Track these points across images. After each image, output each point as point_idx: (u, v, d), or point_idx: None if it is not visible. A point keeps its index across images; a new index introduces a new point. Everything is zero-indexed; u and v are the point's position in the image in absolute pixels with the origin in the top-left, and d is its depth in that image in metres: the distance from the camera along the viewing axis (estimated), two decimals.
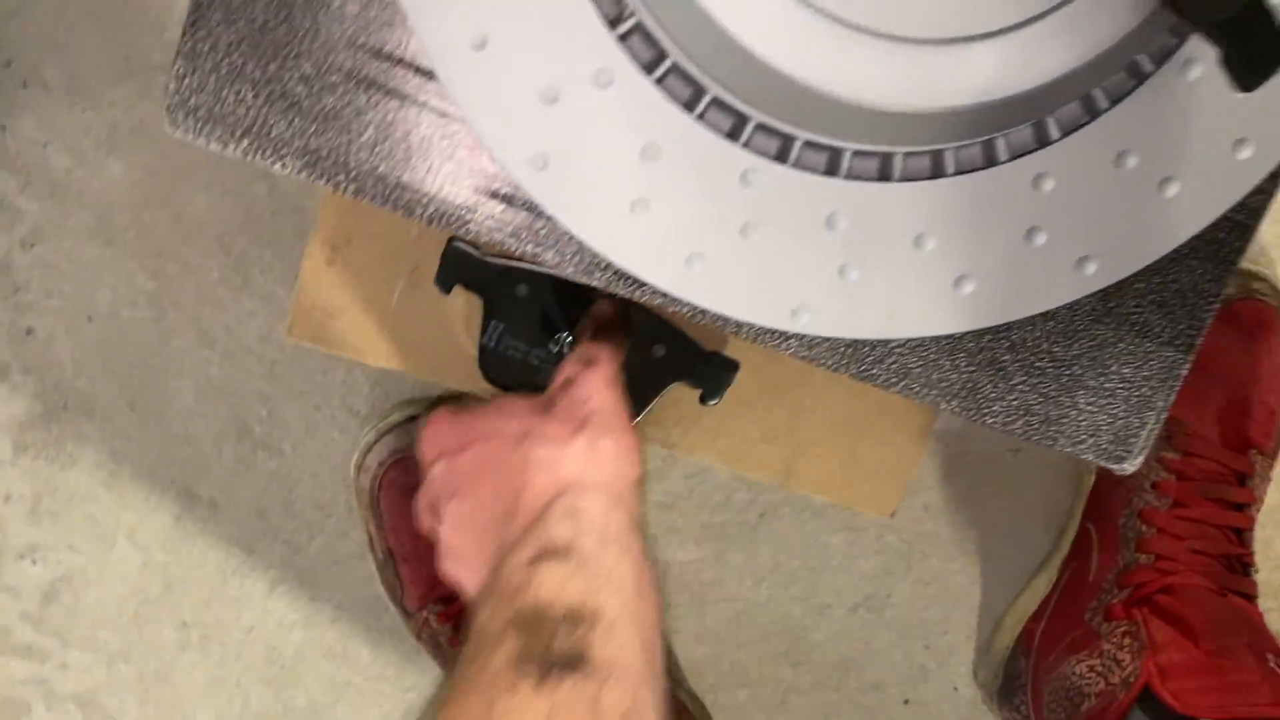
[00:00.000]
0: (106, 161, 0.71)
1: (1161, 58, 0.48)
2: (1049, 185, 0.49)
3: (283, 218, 0.69)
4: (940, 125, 0.47)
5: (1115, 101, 0.48)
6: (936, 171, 0.49)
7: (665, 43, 0.46)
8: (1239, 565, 0.72)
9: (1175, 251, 0.55)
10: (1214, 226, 0.55)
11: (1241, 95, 0.47)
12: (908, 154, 0.49)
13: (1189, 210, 0.49)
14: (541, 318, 0.63)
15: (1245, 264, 0.75)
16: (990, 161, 0.49)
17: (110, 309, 0.74)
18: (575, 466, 0.51)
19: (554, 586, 0.45)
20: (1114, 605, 0.70)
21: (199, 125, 0.49)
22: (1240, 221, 0.54)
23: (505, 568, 0.48)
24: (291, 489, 0.78)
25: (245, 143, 0.50)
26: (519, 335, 0.62)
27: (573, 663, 0.42)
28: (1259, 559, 0.83)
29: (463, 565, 0.53)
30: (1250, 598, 0.71)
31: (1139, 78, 0.48)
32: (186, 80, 0.49)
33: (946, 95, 0.44)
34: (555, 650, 0.42)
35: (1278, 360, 0.74)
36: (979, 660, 0.83)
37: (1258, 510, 0.75)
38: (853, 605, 0.82)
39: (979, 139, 0.48)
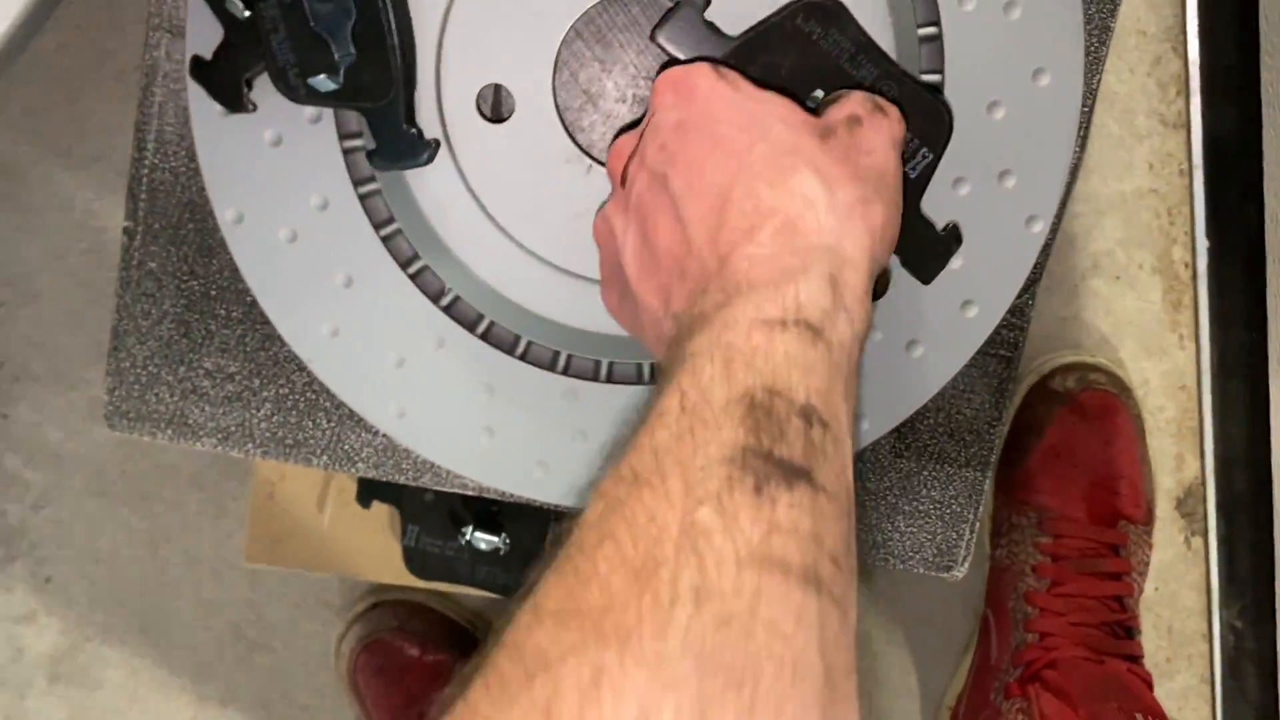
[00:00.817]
0: (92, 430, 0.84)
1: None
2: None
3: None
4: None
5: None
6: None
7: (479, 308, 0.57)
8: (1121, 630, 0.79)
9: (954, 388, 0.65)
10: (982, 363, 0.65)
11: (958, 266, 0.57)
12: None
13: (937, 364, 0.59)
14: (451, 516, 0.73)
15: (1082, 356, 0.84)
16: None
17: (112, 550, 0.86)
18: (838, 221, 0.41)
19: (798, 371, 0.37)
20: (1010, 684, 0.78)
21: (131, 424, 0.61)
22: (1003, 356, 0.64)
23: (738, 316, 0.38)
24: (287, 680, 0.89)
25: (170, 432, 0.62)
26: (434, 533, 0.73)
27: (800, 473, 0.34)
28: (1167, 611, 0.90)
29: (645, 251, 0.44)
30: (1134, 659, 0.78)
31: None
32: (116, 391, 0.61)
33: None
34: (783, 452, 0.35)
35: (1126, 438, 0.82)
36: None
37: (1141, 574, 0.83)
38: None
39: None
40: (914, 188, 0.55)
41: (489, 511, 0.73)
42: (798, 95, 0.51)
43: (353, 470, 0.63)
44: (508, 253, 0.56)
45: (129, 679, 0.88)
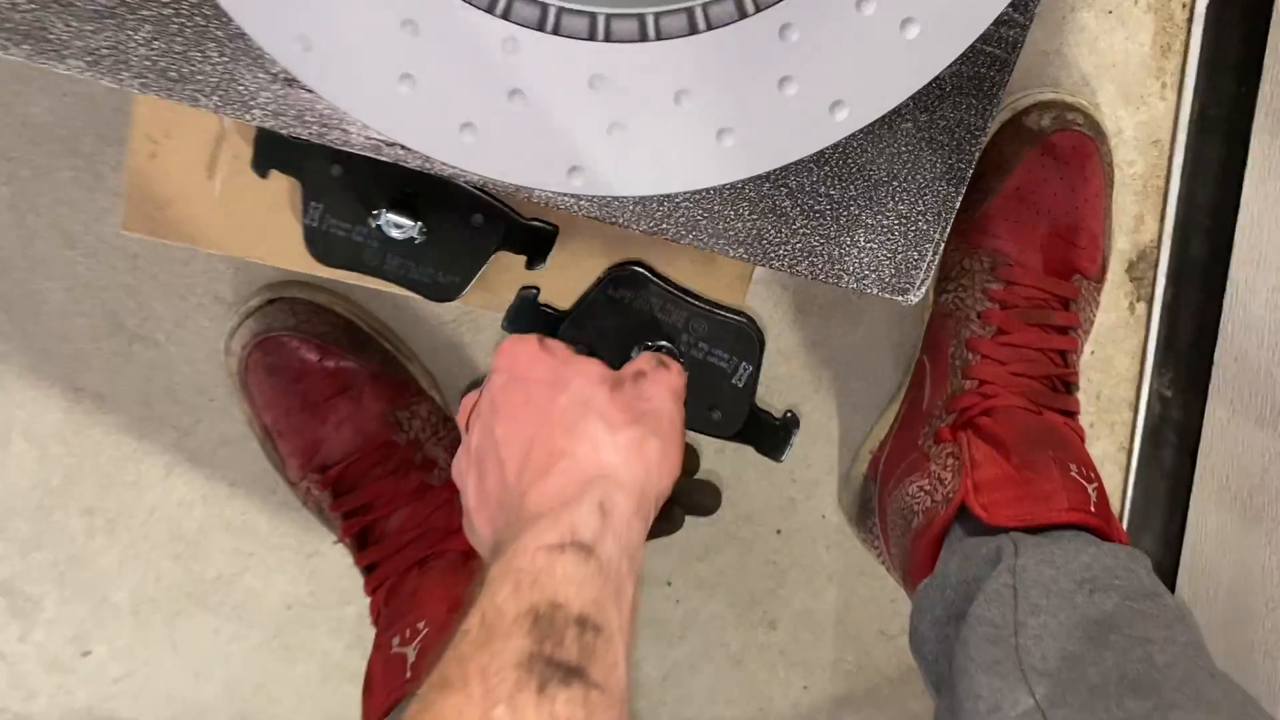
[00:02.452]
0: None
1: None
2: (795, 35, 0.51)
3: (125, 115, 0.71)
4: None
5: None
6: (691, 28, 0.51)
7: None
8: (1061, 385, 0.76)
9: (939, 89, 0.58)
10: (974, 62, 0.58)
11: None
12: (661, 13, 0.51)
13: (932, 50, 0.52)
14: (360, 195, 0.65)
15: (1061, 95, 0.78)
16: (740, 14, 0.51)
17: None
18: (616, 457, 0.52)
19: (573, 586, 0.46)
20: (942, 430, 0.75)
21: None
22: (998, 56, 0.57)
23: (527, 544, 0.47)
24: (171, 377, 0.82)
25: (27, 47, 0.52)
26: (340, 214, 0.65)
27: (575, 673, 0.43)
28: (1099, 376, 0.88)
29: (480, 488, 0.55)
30: (1071, 414, 0.76)
31: None
32: None
33: None
34: (561, 656, 0.43)
35: (1095, 187, 0.77)
36: (840, 489, 0.89)
37: (1086, 332, 0.80)
38: (719, 447, 0.86)
39: None
40: (744, 393, 0.74)
41: (404, 194, 0.65)
42: (627, 349, 0.71)
43: (247, 117, 0.54)
44: None
45: None
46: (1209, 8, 0.78)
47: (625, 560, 0.49)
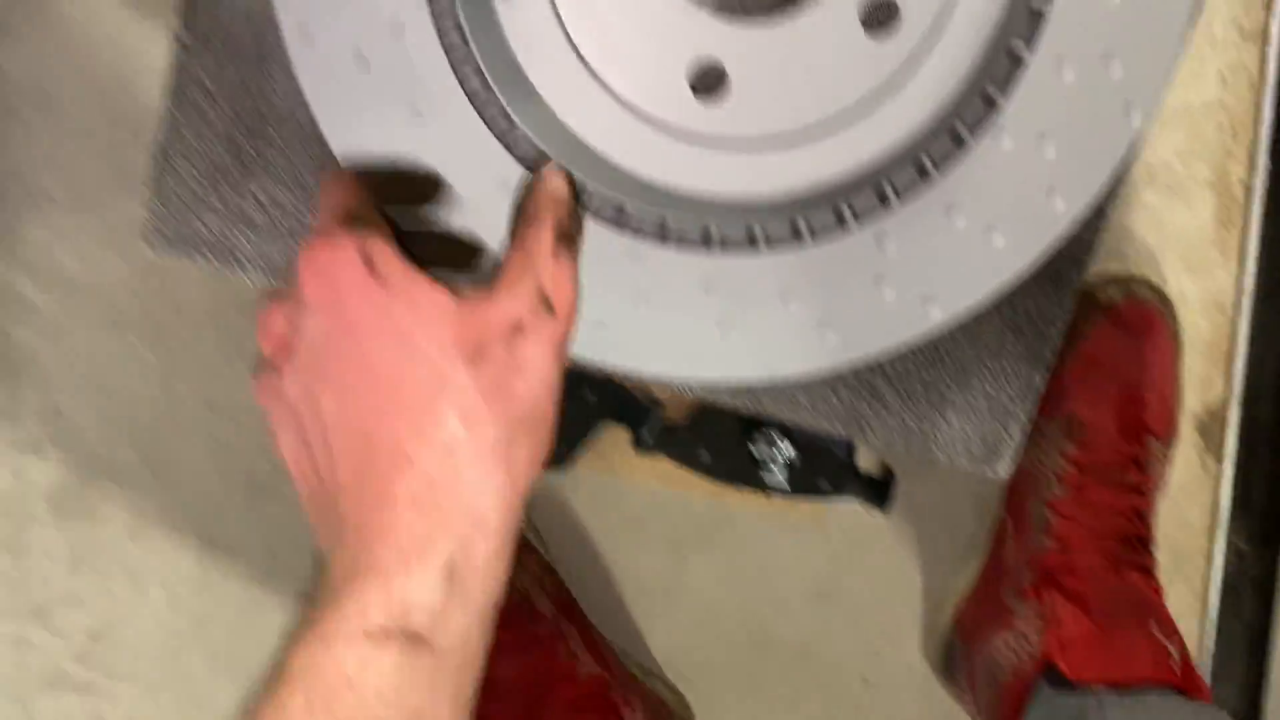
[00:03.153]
0: (107, 257, 0.81)
1: (976, 126, 0.56)
2: (890, 243, 0.57)
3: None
4: (784, 205, 0.55)
5: (942, 166, 0.56)
6: (795, 238, 0.57)
7: (545, 147, 0.55)
8: (1138, 543, 0.80)
9: (1020, 284, 0.64)
10: (1052, 259, 0.63)
11: (1052, 156, 0.55)
12: (768, 225, 0.57)
13: (1015, 255, 0.57)
14: None
15: (1128, 267, 0.83)
16: (840, 225, 0.57)
17: (123, 384, 0.84)
18: (475, 474, 0.41)
19: (389, 697, 0.39)
20: (1025, 587, 0.78)
21: (172, 246, 0.58)
22: (1075, 255, 0.62)
23: (346, 616, 0.39)
24: (298, 530, 0.88)
25: (213, 259, 0.59)
26: None
27: None
28: (1173, 528, 0.91)
29: (300, 465, 0.44)
30: (1148, 571, 0.79)
31: (960, 143, 0.56)
32: (158, 211, 0.58)
33: (771, 186, 0.53)
34: None
35: (1163, 354, 0.82)
36: (925, 640, 0.92)
37: (1159, 490, 0.83)
38: (807, 596, 0.90)
39: (828, 206, 0.57)
40: (847, 457, 0.80)
41: None
42: None
43: None
44: (588, 90, 0.53)
45: (134, 517, 0.87)
46: (1266, 186, 0.83)
47: (475, 633, 0.41)
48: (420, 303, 0.42)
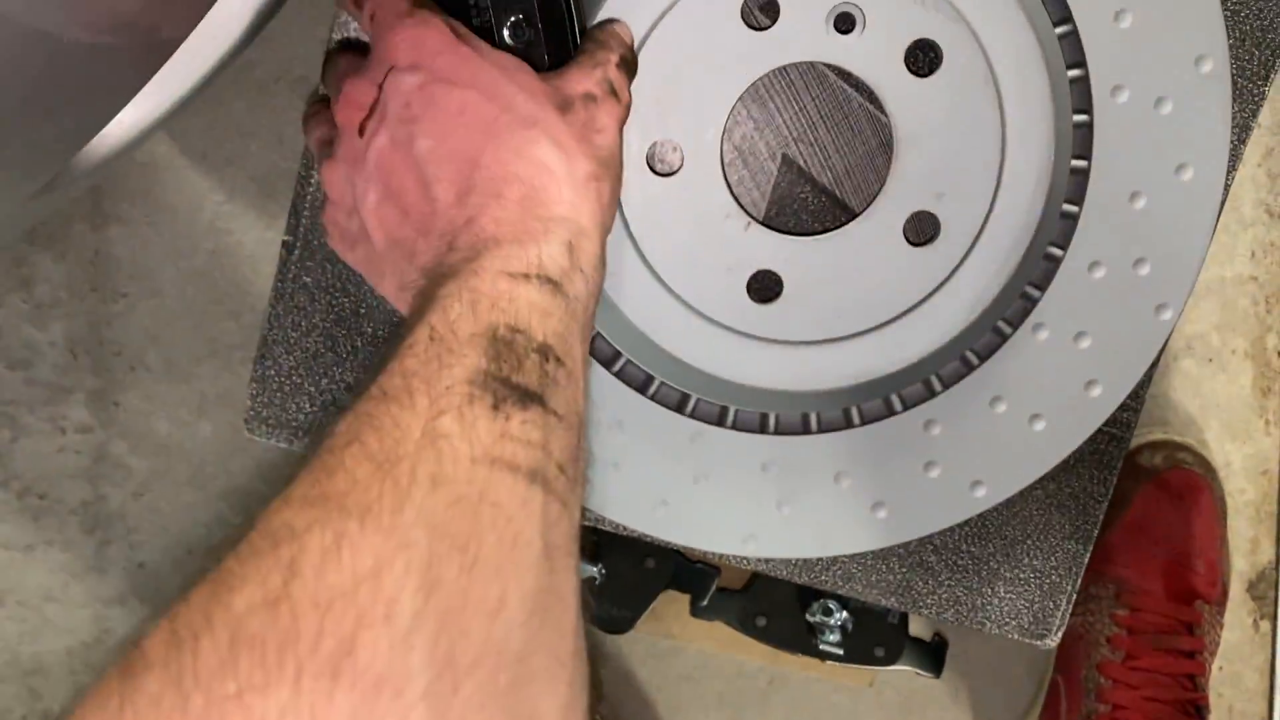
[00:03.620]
0: (198, 423, 0.86)
1: (1017, 320, 0.60)
2: (938, 429, 0.60)
3: None
4: (837, 395, 0.59)
5: (985, 357, 0.60)
6: (847, 423, 0.61)
7: (618, 345, 0.59)
8: (1192, 709, 0.80)
9: (1065, 463, 0.67)
10: (1094, 440, 0.66)
11: (1086, 346, 0.59)
12: (822, 410, 0.61)
13: (1058, 439, 0.61)
14: None
15: (1171, 435, 0.85)
16: (890, 412, 0.61)
17: (206, 542, 0.88)
18: (574, 194, 0.45)
19: (538, 315, 0.41)
20: None
21: (269, 431, 0.63)
22: (1115, 434, 0.65)
23: (486, 266, 0.42)
24: None
25: (307, 441, 0.64)
26: None
27: (533, 398, 0.39)
28: (1230, 691, 0.91)
29: (393, 211, 0.46)
30: None
31: (1002, 336, 0.60)
32: (259, 398, 0.63)
33: (824, 381, 0.57)
34: (520, 380, 0.39)
35: (1208, 518, 0.84)
36: None
37: (1211, 654, 0.84)
38: None
39: (878, 396, 0.61)
40: (900, 626, 0.82)
41: (588, 540, 0.75)
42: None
43: None
44: (657, 297, 0.58)
45: None
46: None
47: (591, 303, 0.45)
48: (508, 65, 0.46)
